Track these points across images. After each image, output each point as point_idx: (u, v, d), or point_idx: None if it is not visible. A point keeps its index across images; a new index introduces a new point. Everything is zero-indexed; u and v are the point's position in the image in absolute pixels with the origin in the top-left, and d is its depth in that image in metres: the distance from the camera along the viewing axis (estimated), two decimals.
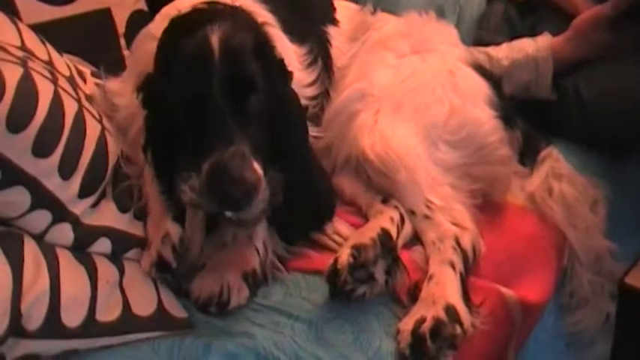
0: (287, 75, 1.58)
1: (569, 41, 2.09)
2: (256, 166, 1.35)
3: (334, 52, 1.93)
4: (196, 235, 1.51)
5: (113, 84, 1.68)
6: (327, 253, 1.61)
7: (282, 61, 1.56)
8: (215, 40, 1.40)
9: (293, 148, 1.54)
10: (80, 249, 1.44)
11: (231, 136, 1.35)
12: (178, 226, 1.50)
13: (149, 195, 1.57)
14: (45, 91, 1.38)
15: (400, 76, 1.83)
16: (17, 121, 1.28)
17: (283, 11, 1.80)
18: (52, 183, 1.36)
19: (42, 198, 1.35)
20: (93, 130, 1.50)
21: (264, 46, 1.51)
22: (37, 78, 1.38)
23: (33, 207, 1.34)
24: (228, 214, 1.40)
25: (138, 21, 2.10)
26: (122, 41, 2.10)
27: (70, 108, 1.44)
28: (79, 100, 1.51)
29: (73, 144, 1.41)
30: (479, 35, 2.30)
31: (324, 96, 1.84)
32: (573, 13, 2.15)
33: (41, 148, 1.33)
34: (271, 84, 1.47)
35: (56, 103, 1.39)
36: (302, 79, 1.76)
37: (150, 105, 1.49)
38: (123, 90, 1.65)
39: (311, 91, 1.79)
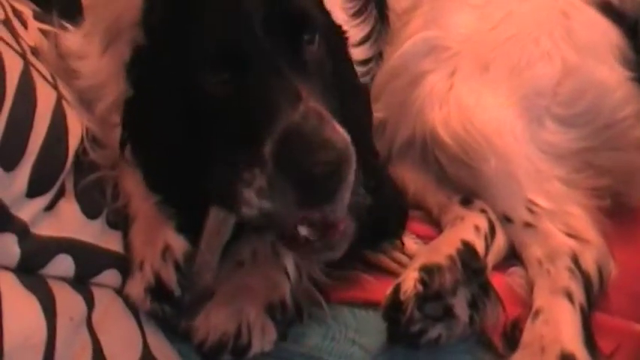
0: (342, 37, 1.62)
1: None
2: (337, 124, 1.34)
3: None
4: (214, 254, 1.53)
5: (71, 38, 1.71)
6: (384, 277, 1.65)
7: (336, 22, 1.60)
8: None
9: (353, 136, 1.49)
10: (30, 271, 1.46)
11: (294, 90, 1.35)
12: (182, 239, 1.51)
13: (131, 193, 1.60)
14: None
15: (488, 20, 1.86)
16: None
17: None
18: None
19: None
20: (46, 99, 1.53)
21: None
22: None
23: None
24: (303, 230, 1.39)
25: None
26: None
27: (13, 66, 1.47)
28: (23, 55, 1.54)
29: (17, 119, 1.43)
30: None
31: (378, 60, 1.88)
32: None
33: None
34: (332, 54, 1.51)
35: None
36: (349, 36, 1.77)
37: (141, 83, 1.51)
38: (86, 50, 1.68)
39: (361, 53, 1.84)
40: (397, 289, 1.47)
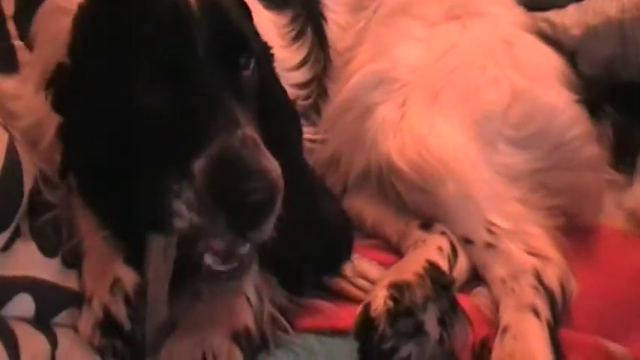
0: (269, 55, 1.62)
1: None
2: (271, 157, 1.35)
3: (331, 28, 2.00)
4: (163, 285, 1.51)
5: (6, 84, 1.71)
6: (347, 304, 1.64)
7: (262, 40, 1.60)
8: None
9: (285, 154, 1.50)
10: None
11: (232, 115, 1.36)
12: (132, 271, 1.49)
13: (83, 230, 1.58)
14: None
15: (434, 51, 1.89)
16: None
17: None
18: None
19: None
20: None
21: (246, 10, 1.55)
22: None
23: None
24: (209, 259, 1.39)
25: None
26: (11, 26, 2.11)
27: None
28: None
29: None
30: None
31: (318, 84, 1.89)
32: None
33: None
34: (260, 72, 1.51)
35: None
36: (285, 58, 1.82)
37: (68, 106, 1.50)
38: (21, 91, 1.68)
39: (299, 76, 1.86)
40: (367, 307, 1.48)
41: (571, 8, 2.21)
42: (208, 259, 1.39)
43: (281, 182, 1.32)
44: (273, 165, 1.32)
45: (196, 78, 1.37)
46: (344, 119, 1.85)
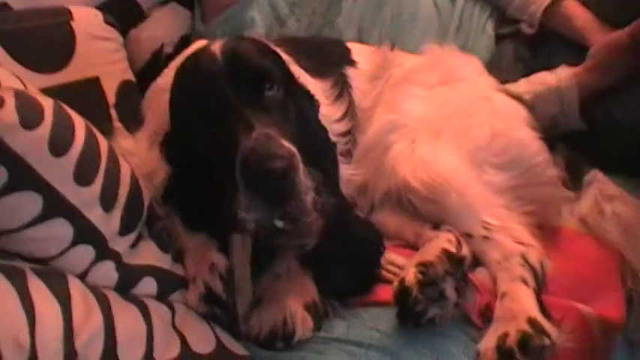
0: (314, 103, 1.68)
1: (591, 71, 2.20)
2: (286, 142, 1.39)
3: (355, 93, 2.06)
4: (246, 269, 1.55)
5: (126, 142, 1.76)
6: (383, 285, 1.67)
7: (306, 88, 1.67)
8: (217, 48, 1.52)
9: (325, 181, 1.55)
10: (124, 291, 1.46)
11: (249, 124, 1.41)
12: (223, 257, 1.54)
13: (180, 234, 1.63)
14: (78, 120, 1.43)
15: (432, 105, 1.95)
16: (59, 144, 1.34)
17: (301, 54, 1.90)
18: (94, 215, 1.41)
19: (84, 231, 1.40)
20: (125, 166, 1.56)
21: (282, 62, 1.62)
22: (67, 108, 1.43)
23: (75, 241, 1.38)
24: (279, 223, 1.41)
25: (128, 91, 2.19)
26: (113, 112, 2.16)
27: (103, 141, 1.50)
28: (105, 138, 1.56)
29: (111, 175, 1.47)
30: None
31: (355, 132, 1.94)
32: (580, 42, 2.27)
33: (83, 175, 1.39)
34: (298, 109, 1.57)
35: (90, 133, 1.46)
36: (331, 113, 1.88)
37: (173, 161, 1.59)
38: (136, 149, 1.74)
39: (342, 127, 1.91)
40: (402, 280, 1.50)
41: (522, 81, 2.25)
42: (279, 223, 1.40)
43: (295, 160, 1.36)
44: (284, 148, 1.36)
45: (222, 109, 1.45)
46: (370, 156, 1.90)
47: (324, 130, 1.71)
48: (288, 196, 1.37)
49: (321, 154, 1.62)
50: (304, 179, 1.38)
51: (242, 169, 1.37)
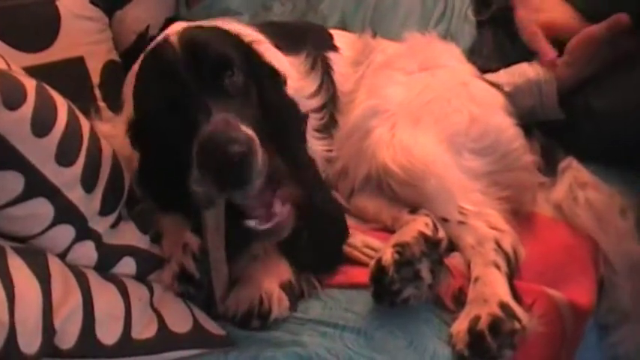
0: (279, 78, 1.69)
1: (569, 65, 2.22)
2: (245, 128, 1.42)
3: (337, 77, 2.06)
4: (220, 251, 1.55)
5: (104, 126, 1.76)
6: (359, 267, 1.68)
7: (271, 64, 1.67)
8: (175, 37, 1.53)
9: (290, 157, 1.59)
10: (104, 270, 1.47)
11: (208, 110, 1.44)
12: (196, 237, 1.56)
13: (157, 216, 1.65)
14: (60, 101, 1.44)
15: (413, 90, 1.96)
16: (41, 125, 1.34)
17: (278, 35, 1.91)
18: (75, 195, 1.41)
19: (65, 210, 1.40)
20: (107, 147, 1.57)
21: (243, 46, 1.63)
22: (50, 89, 1.43)
23: (56, 221, 1.39)
24: (250, 222, 1.46)
25: (112, 72, 2.19)
26: (97, 92, 2.16)
27: (85, 122, 1.51)
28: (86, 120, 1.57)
29: (92, 156, 1.47)
30: (472, 63, 2.40)
31: (331, 104, 1.95)
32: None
33: (64, 155, 1.40)
34: (261, 90, 1.59)
35: (72, 114, 1.46)
36: (302, 87, 1.89)
37: (138, 146, 1.62)
38: (115, 132, 1.73)
39: (315, 102, 1.92)
40: (379, 260, 1.51)
41: (501, 72, 2.27)
42: (250, 223, 1.45)
43: (252, 145, 1.40)
44: (241, 133, 1.40)
45: (185, 97, 1.47)
46: (350, 141, 1.90)
47: (292, 106, 1.71)
48: (240, 182, 1.40)
49: (287, 130, 1.64)
50: (261, 164, 1.41)
51: (200, 150, 1.40)
